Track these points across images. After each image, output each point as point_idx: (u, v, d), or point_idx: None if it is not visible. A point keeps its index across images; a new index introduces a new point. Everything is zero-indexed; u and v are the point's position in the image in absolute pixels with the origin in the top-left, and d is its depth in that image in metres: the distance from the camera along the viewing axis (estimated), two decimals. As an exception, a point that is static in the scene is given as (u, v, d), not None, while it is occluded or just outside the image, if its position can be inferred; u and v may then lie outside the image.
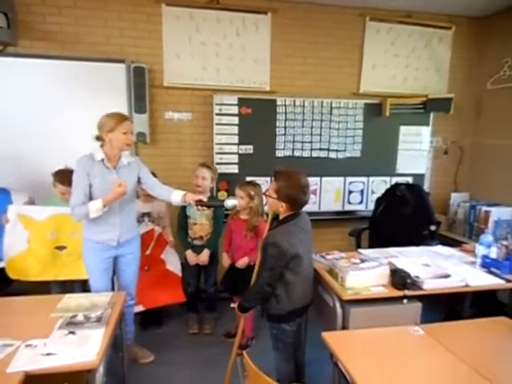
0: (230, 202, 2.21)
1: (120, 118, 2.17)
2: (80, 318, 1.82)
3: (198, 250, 2.84)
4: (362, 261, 2.09)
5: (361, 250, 2.56)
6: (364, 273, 1.97)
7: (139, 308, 2.62)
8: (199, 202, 2.22)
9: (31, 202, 2.58)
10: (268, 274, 1.84)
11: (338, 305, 1.96)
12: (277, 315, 1.94)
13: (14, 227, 2.39)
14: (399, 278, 1.95)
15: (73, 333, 1.68)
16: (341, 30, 3.50)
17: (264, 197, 2.16)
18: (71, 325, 1.75)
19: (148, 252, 2.78)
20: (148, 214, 2.91)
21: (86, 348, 1.58)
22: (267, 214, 2.15)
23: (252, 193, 2.60)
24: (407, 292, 1.92)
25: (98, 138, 2.19)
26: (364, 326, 1.82)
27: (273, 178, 1.95)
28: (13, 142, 2.93)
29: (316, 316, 2.22)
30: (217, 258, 2.94)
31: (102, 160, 2.16)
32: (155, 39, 3.21)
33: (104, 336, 1.68)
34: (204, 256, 2.81)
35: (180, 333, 2.95)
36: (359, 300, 1.91)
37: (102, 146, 2.20)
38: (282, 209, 1.90)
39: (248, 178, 3.36)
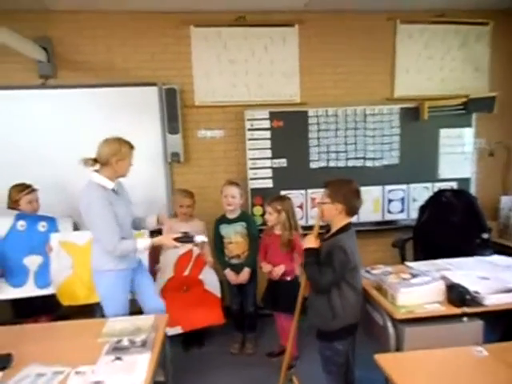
0: (198, 238, 2.25)
1: (131, 146, 2.15)
2: (125, 342, 1.80)
3: (236, 268, 2.80)
4: (413, 276, 1.96)
5: (408, 263, 2.41)
6: (417, 289, 1.84)
7: (177, 330, 2.57)
8: (176, 240, 2.20)
9: (76, 228, 2.64)
10: (331, 276, 1.80)
11: (389, 324, 1.83)
12: (331, 332, 1.88)
13: (58, 254, 2.46)
14: (457, 294, 1.80)
15: (119, 358, 1.67)
16: (370, 35, 3.42)
17: (318, 206, 2.10)
18: (117, 350, 1.74)
19: (186, 273, 2.77)
20: (187, 234, 2.90)
21: (134, 375, 1.56)
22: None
23: (279, 207, 2.57)
24: (466, 309, 1.77)
25: (96, 162, 2.09)
26: (420, 346, 1.68)
27: (324, 189, 1.96)
28: (56, 169, 3.03)
29: (364, 335, 2.10)
30: (256, 275, 2.88)
31: (113, 188, 2.13)
32: (185, 60, 3.26)
33: (150, 361, 1.65)
34: (244, 275, 2.76)
35: (222, 352, 2.89)
36: (413, 319, 1.78)
37: (97, 171, 2.09)
38: (337, 211, 1.87)
39: (282, 192, 3.33)
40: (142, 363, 1.64)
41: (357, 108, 3.38)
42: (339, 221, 1.91)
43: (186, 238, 2.36)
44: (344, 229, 1.89)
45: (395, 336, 1.81)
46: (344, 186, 1.92)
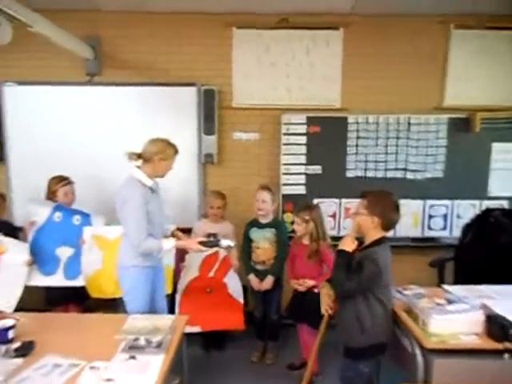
0: (224, 243, 2.25)
1: (176, 150, 2.22)
2: (142, 341, 1.80)
3: (260, 274, 2.74)
4: (449, 302, 1.79)
5: (446, 287, 2.22)
6: (452, 317, 1.67)
7: (196, 329, 2.56)
8: (201, 244, 2.22)
9: (108, 225, 2.71)
10: (355, 284, 1.74)
11: (418, 352, 1.69)
12: (358, 349, 1.80)
13: (90, 248, 2.53)
14: (498, 328, 1.62)
15: (133, 357, 1.66)
16: (419, 40, 3.23)
17: (353, 217, 2.04)
18: (133, 349, 1.74)
19: (211, 274, 2.75)
20: (214, 235, 2.89)
21: (145, 376, 1.55)
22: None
23: (306, 217, 2.48)
24: (509, 345, 1.59)
25: (140, 157, 2.15)
26: (451, 381, 1.54)
27: (361, 200, 1.88)
28: (95, 165, 3.13)
29: (391, 360, 1.95)
30: (280, 283, 2.80)
31: (151, 186, 2.18)
32: (225, 61, 3.26)
33: (163, 363, 1.64)
34: (267, 284, 2.70)
35: (241, 359, 2.84)
36: (445, 350, 1.62)
37: (139, 167, 2.17)
38: (373, 225, 1.80)
39: (315, 200, 3.23)
40: (155, 364, 1.62)
41: (400, 116, 3.20)
42: (374, 234, 1.84)
43: (212, 243, 2.35)
44: (378, 242, 1.82)
45: (424, 366, 1.66)
46: (383, 198, 1.84)
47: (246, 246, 2.82)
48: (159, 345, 1.77)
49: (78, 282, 2.54)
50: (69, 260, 2.56)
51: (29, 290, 2.48)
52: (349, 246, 1.85)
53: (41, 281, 2.53)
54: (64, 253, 2.56)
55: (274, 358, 2.82)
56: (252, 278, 2.75)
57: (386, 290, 1.80)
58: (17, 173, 3.19)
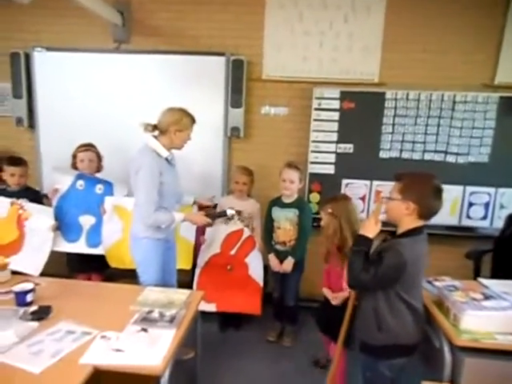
0: (229, 212, 2.35)
1: (193, 120, 2.14)
2: (155, 314, 1.78)
3: (281, 255, 2.64)
4: (485, 297, 1.63)
5: (482, 280, 2.04)
6: (488, 314, 1.52)
7: (211, 308, 2.53)
8: (207, 216, 2.26)
9: (131, 195, 2.69)
10: (371, 276, 1.50)
11: (446, 349, 1.56)
12: (374, 346, 1.61)
13: (111, 217, 2.52)
14: (541, 330, 1.45)
15: (145, 330, 1.64)
16: (473, 8, 2.88)
17: (381, 202, 1.74)
18: (145, 321, 1.72)
19: (233, 252, 2.69)
20: (239, 213, 2.82)
21: (154, 350, 1.53)
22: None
23: (329, 210, 2.08)
24: (552, 350, 1.42)
25: (156, 128, 2.10)
26: (482, 383, 1.39)
27: (395, 182, 1.63)
28: (121, 134, 3.09)
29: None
30: (301, 266, 2.68)
31: (167, 157, 2.12)
32: (256, 30, 3.08)
33: (174, 339, 1.61)
34: (287, 265, 2.58)
35: (258, 339, 2.79)
36: (478, 349, 1.47)
37: (156, 137, 2.11)
38: (407, 211, 1.54)
39: (345, 181, 3.07)
40: (165, 339, 1.61)
41: (445, 93, 2.92)
42: (408, 222, 1.57)
43: (218, 213, 2.40)
44: (412, 232, 1.56)
45: (452, 364, 1.53)
46: (422, 181, 1.58)
47: (268, 224, 2.72)
48: (172, 319, 1.74)
49: (100, 251, 2.55)
50: (91, 228, 2.57)
51: (53, 256, 2.52)
52: (370, 230, 1.59)
53: (64, 247, 2.56)
54: (87, 221, 2.57)
55: (291, 342, 2.75)
56: (272, 257, 2.65)
57: (413, 288, 1.56)
58: (46, 140, 3.23)
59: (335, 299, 2.07)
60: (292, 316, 2.81)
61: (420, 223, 1.57)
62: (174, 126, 2.07)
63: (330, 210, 2.08)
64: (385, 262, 1.49)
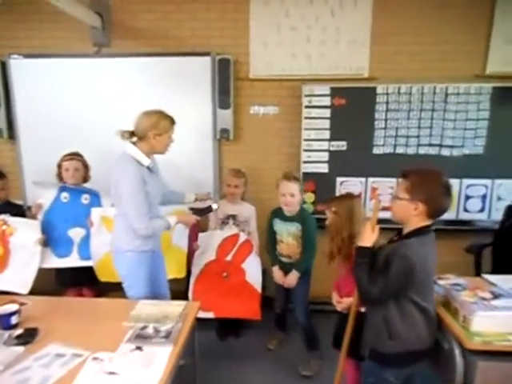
0: (214, 206, 2.37)
1: (172, 121, 2.00)
2: (149, 330, 1.68)
3: (285, 267, 2.47)
4: (495, 296, 1.57)
5: (486, 276, 1.98)
6: (499, 314, 1.45)
7: (209, 315, 2.43)
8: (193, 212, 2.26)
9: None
10: (382, 286, 1.43)
11: (457, 352, 1.48)
12: (385, 354, 1.52)
13: (99, 229, 2.42)
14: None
15: (140, 348, 1.55)
16: (462, -1, 2.85)
17: (378, 200, 1.75)
18: (140, 338, 1.62)
19: (229, 258, 2.60)
20: (234, 217, 2.73)
21: (150, 370, 1.43)
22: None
23: (333, 209, 1.98)
24: None
25: (133, 135, 1.97)
26: (496, 387, 1.33)
27: (400, 179, 1.54)
28: (105, 141, 2.88)
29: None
30: (308, 280, 2.49)
31: (148, 165, 1.99)
32: (242, 29, 2.99)
33: (170, 356, 1.51)
34: (291, 279, 2.41)
35: (257, 346, 2.70)
36: (491, 352, 1.41)
37: (135, 143, 1.97)
38: (416, 212, 1.46)
39: (339, 179, 3.00)
40: (161, 357, 1.51)
41: (437, 86, 2.86)
42: (416, 222, 1.49)
43: (204, 209, 2.34)
44: (419, 231, 1.49)
45: (464, 368, 1.45)
46: (431, 180, 1.48)
47: (270, 236, 2.55)
48: (168, 334, 1.65)
49: (92, 263, 2.45)
50: (82, 241, 2.47)
51: (41, 272, 2.41)
52: (368, 240, 1.52)
53: (55, 263, 2.46)
54: (77, 234, 2.47)
55: (319, 369, 2.45)
56: (276, 270, 2.50)
57: (425, 289, 1.48)
58: (27, 151, 3.10)
59: (340, 304, 1.94)
60: (311, 339, 2.51)
61: (428, 222, 1.49)
62: (153, 130, 1.93)
63: (333, 209, 1.99)
64: (392, 270, 1.41)
